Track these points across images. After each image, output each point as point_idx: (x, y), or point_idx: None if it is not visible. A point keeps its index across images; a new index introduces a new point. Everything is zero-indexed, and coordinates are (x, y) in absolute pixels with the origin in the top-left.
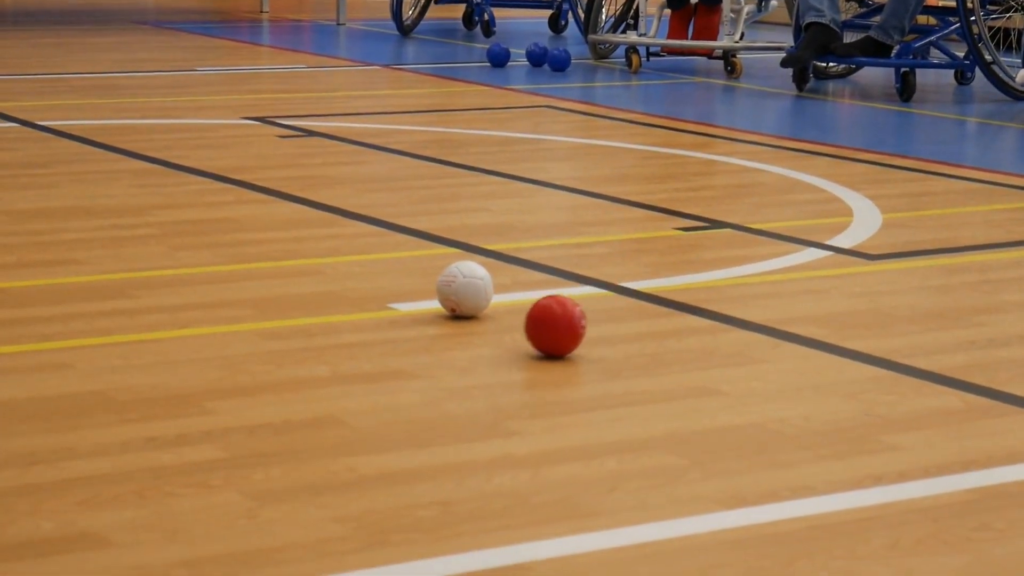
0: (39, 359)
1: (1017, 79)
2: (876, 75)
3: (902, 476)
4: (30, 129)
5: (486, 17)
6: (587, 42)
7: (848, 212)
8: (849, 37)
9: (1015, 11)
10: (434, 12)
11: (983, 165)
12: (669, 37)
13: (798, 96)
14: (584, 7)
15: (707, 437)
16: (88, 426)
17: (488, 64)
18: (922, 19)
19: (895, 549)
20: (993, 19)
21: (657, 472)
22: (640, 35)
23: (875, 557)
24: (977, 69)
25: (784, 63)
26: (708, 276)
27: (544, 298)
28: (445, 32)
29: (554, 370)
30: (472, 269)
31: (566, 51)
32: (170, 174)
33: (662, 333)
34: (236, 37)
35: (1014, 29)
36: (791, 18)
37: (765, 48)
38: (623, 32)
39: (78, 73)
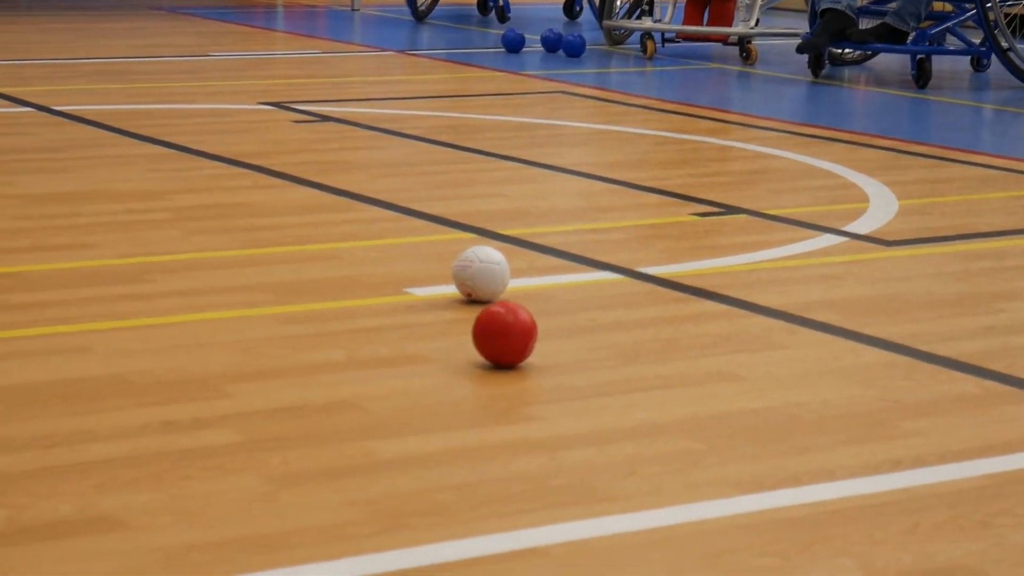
0: (56, 343)
1: None
2: (892, 61)
3: (919, 461)
4: (45, 114)
5: (501, 3)
6: (602, 28)
7: (864, 198)
8: (865, 23)
9: None
10: None
11: (1000, 152)
12: (684, 23)
13: (813, 82)
14: None
15: (724, 422)
16: (106, 409)
17: (503, 50)
18: (938, 5)
19: (913, 534)
20: (1009, 6)
21: (674, 457)
22: (655, 21)
23: (893, 542)
24: (993, 56)
25: (800, 49)
26: (724, 261)
27: (494, 306)
28: (460, 18)
29: (570, 355)
30: (488, 254)
31: (581, 37)
32: (185, 159)
33: (678, 318)
34: (251, 22)
35: None
36: (806, 4)
37: (780, 34)
38: (638, 18)
39: (93, 58)
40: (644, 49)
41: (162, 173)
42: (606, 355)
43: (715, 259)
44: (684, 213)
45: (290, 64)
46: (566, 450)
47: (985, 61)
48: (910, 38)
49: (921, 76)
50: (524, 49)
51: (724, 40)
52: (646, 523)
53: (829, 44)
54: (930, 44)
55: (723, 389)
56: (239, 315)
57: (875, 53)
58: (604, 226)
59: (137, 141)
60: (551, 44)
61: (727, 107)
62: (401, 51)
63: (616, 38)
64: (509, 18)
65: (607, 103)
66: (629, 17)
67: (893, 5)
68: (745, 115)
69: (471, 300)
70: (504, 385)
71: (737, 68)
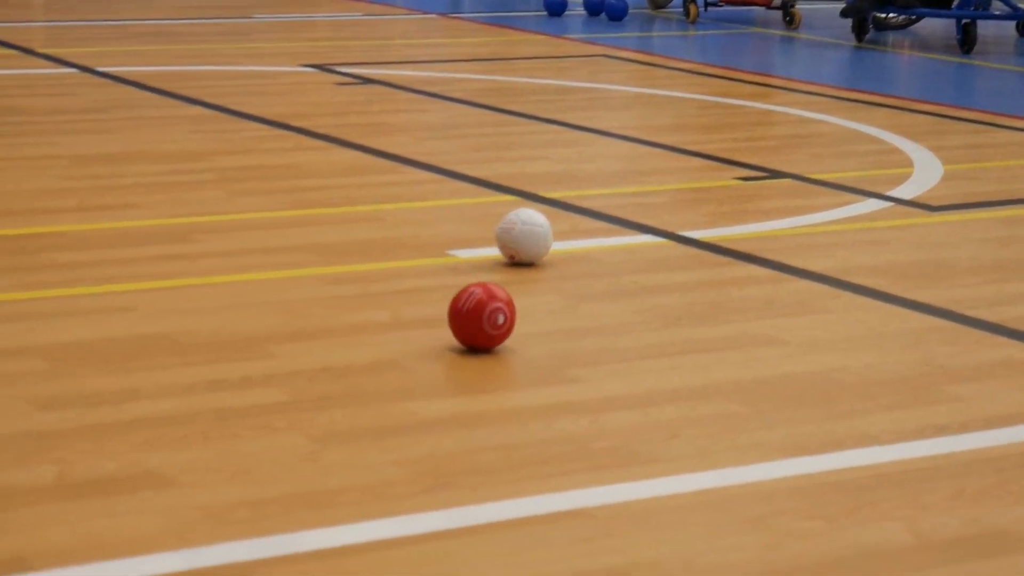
0: (101, 302)
1: None
2: (936, 26)
3: (965, 426)
4: (89, 75)
5: None
6: None
7: (908, 163)
8: None
9: None
10: None
11: None
12: None
13: (857, 47)
14: None
15: (768, 386)
16: (152, 368)
17: (545, 13)
18: None
19: (959, 498)
20: None
21: (718, 420)
22: None
23: (939, 506)
24: None
25: (844, 13)
26: (768, 226)
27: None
28: None
29: (614, 317)
30: (532, 216)
31: (624, 0)
32: (228, 120)
33: (722, 282)
34: None
35: None
36: None
37: None
38: None
39: (136, 20)
40: (687, 13)
41: (205, 134)
42: (649, 318)
43: (759, 223)
44: (727, 177)
45: (332, 27)
46: (609, 412)
47: None
48: (955, 3)
49: (966, 41)
50: (566, 12)
51: (767, 4)
52: (689, 486)
53: (873, 8)
54: (975, 9)
55: (767, 353)
56: (284, 276)
57: (919, 17)
58: (647, 189)
59: (180, 102)
60: (593, 7)
61: (770, 71)
62: (443, 14)
63: (659, 2)
64: None
65: (649, 67)
66: None
67: None
68: (788, 79)
69: (514, 262)
70: (547, 347)
71: (780, 32)
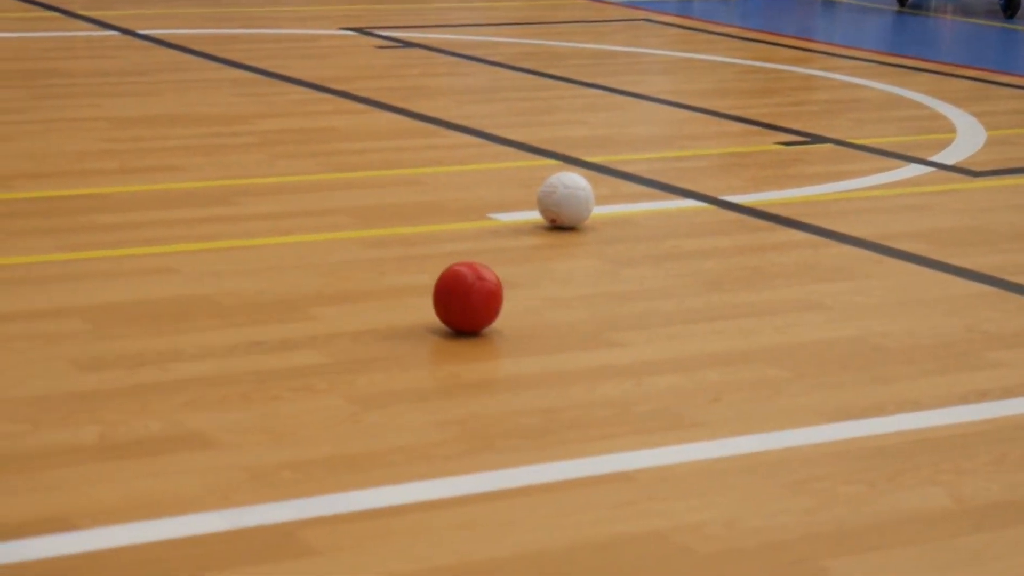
0: (144, 263)
1: None
2: None
3: (1007, 392)
4: (131, 37)
5: None
6: None
7: (951, 129)
8: None
9: None
10: None
11: None
12: None
13: (900, 11)
14: None
15: (810, 350)
16: (194, 329)
17: None
18: None
19: (1001, 464)
20: None
21: (760, 384)
22: None
23: (980, 472)
24: None
25: None
26: (809, 191)
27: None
28: None
29: (656, 282)
30: (573, 180)
31: None
32: (270, 83)
33: (763, 247)
34: None
35: None
36: None
37: None
38: None
39: None
40: None
41: (247, 97)
42: (691, 282)
43: (800, 188)
44: (768, 142)
45: None
46: (651, 376)
47: None
48: None
49: (1009, 6)
50: None
51: None
52: (732, 449)
53: None
54: None
55: (808, 318)
56: (324, 238)
57: None
58: (688, 154)
59: (222, 65)
60: None
61: (812, 36)
62: None
63: None
64: None
65: (690, 31)
66: None
67: None
68: (830, 44)
69: (555, 226)
70: (589, 310)
71: None
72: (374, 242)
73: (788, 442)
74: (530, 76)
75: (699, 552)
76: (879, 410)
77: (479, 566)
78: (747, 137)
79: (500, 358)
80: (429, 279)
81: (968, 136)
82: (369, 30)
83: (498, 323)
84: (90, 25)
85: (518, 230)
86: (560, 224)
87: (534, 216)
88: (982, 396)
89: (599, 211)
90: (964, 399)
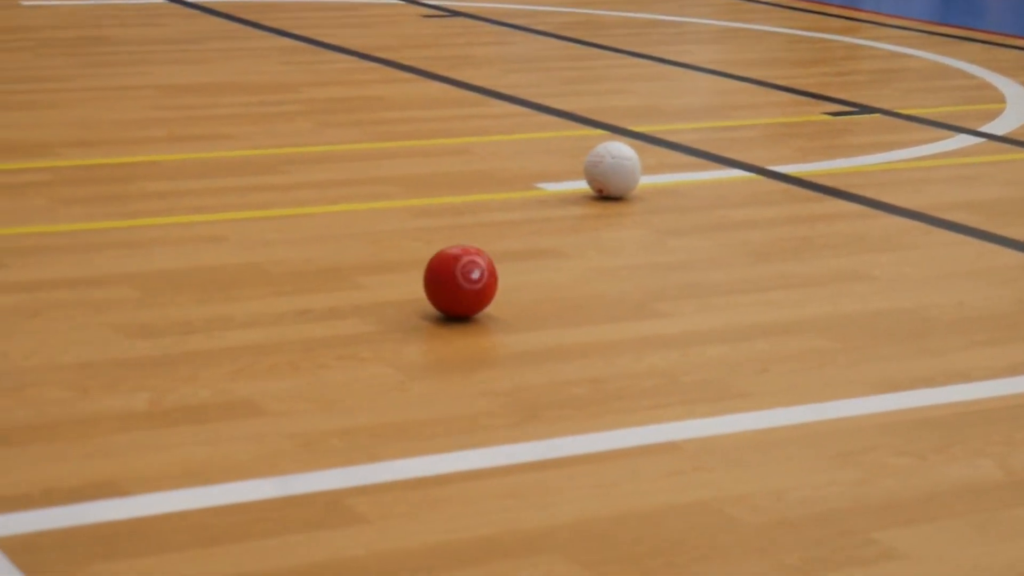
0: (193, 231)
1: None
2: None
3: None
4: (179, 6)
5: None
6: None
7: (1001, 99)
8: None
9: None
10: None
11: None
12: None
13: None
14: None
15: (858, 321)
16: (243, 298)
17: None
18: None
19: None
20: None
21: (808, 355)
22: None
23: None
24: None
25: None
26: (858, 161)
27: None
28: None
29: (703, 252)
30: (620, 150)
31: None
32: (317, 52)
33: (811, 217)
34: None
35: None
36: None
37: None
38: None
39: None
40: None
41: (295, 66)
42: (739, 253)
43: (848, 158)
44: (816, 112)
45: None
46: (699, 346)
47: None
48: None
49: None
50: None
51: None
52: (780, 420)
53: None
54: None
55: (857, 288)
56: (372, 207)
57: None
58: (735, 124)
59: (270, 34)
60: None
61: (859, 5)
62: None
63: None
64: None
65: (738, 0)
66: None
67: None
68: (878, 13)
69: (602, 196)
70: (636, 281)
71: None
72: (421, 211)
73: (836, 413)
74: (576, 45)
75: (747, 523)
76: (928, 381)
77: (526, 535)
78: (795, 107)
79: (547, 328)
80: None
81: (1017, 106)
82: None
83: (545, 292)
84: None
85: (565, 200)
86: (607, 194)
87: (581, 186)
88: None
89: (646, 181)
90: (1014, 370)
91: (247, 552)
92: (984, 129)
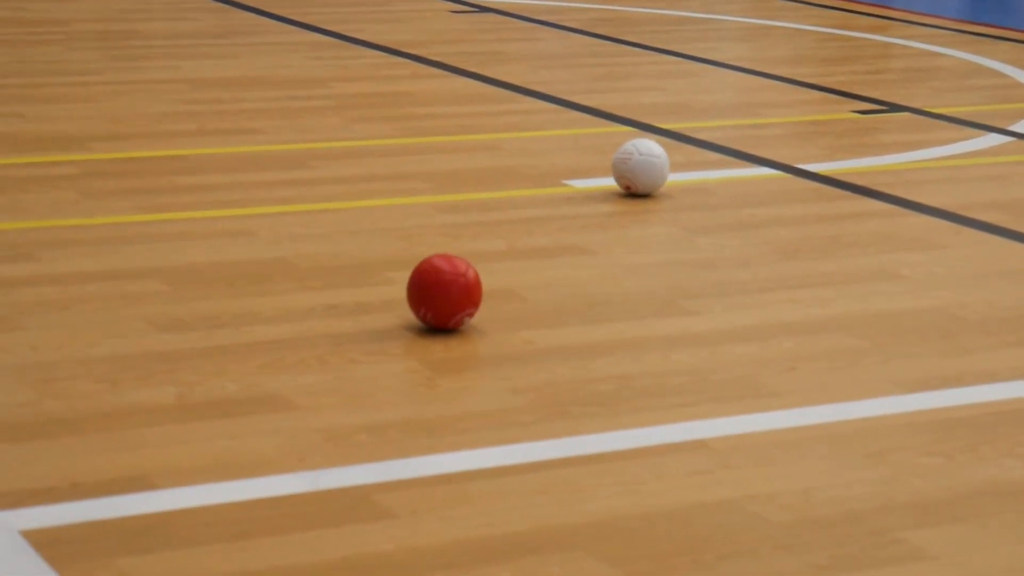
0: (221, 225)
1: None
2: None
3: None
4: (207, 0)
5: None
6: None
7: None
8: None
9: None
10: None
11: None
12: None
13: None
14: None
15: (888, 320)
16: (271, 292)
17: None
18: None
19: None
20: None
21: (837, 354)
22: None
23: None
24: None
25: None
26: (887, 160)
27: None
28: None
29: (731, 250)
30: (649, 147)
31: None
32: (345, 47)
33: (840, 216)
34: None
35: None
36: None
37: None
38: None
39: None
40: None
41: (323, 61)
42: (767, 251)
43: (877, 157)
44: (845, 110)
45: None
46: (726, 344)
47: None
48: None
49: None
50: None
51: None
52: (808, 419)
53: None
54: None
55: (885, 287)
56: (400, 203)
57: None
58: (764, 122)
59: (298, 28)
60: None
61: (890, 3)
62: None
63: None
64: None
65: None
66: None
67: None
68: (908, 12)
69: (630, 193)
70: (663, 278)
71: None
72: (449, 207)
73: (865, 412)
74: (604, 42)
75: (774, 521)
76: (957, 381)
77: (553, 532)
78: (824, 105)
79: (575, 324)
80: (504, 244)
81: None
82: None
83: (573, 289)
84: None
85: (593, 197)
86: (635, 191)
87: (609, 183)
88: None
89: (674, 178)
90: None
91: (275, 546)
92: (1014, 128)
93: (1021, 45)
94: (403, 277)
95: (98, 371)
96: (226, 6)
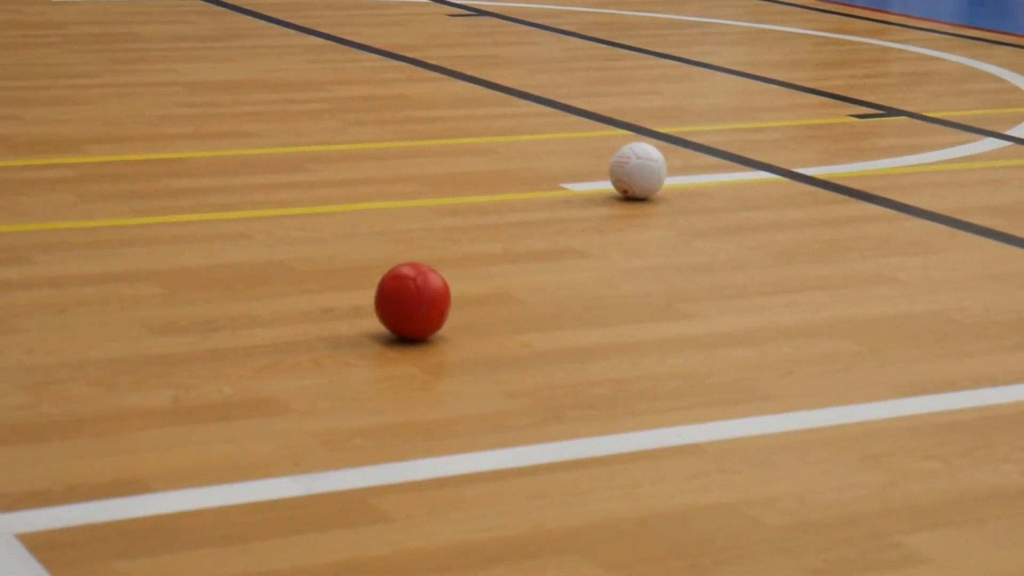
0: (219, 228)
1: None
2: None
3: None
4: (205, 3)
5: None
6: None
7: None
8: None
9: None
10: None
11: None
12: None
13: None
14: None
15: (884, 324)
16: (267, 295)
17: None
18: None
19: None
20: None
21: (833, 358)
22: None
23: None
24: None
25: None
26: (883, 164)
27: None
28: None
29: (728, 254)
30: (646, 151)
31: None
32: (343, 50)
33: (837, 220)
34: None
35: None
36: None
37: None
38: None
39: None
40: None
41: (320, 64)
42: (763, 255)
43: (874, 161)
44: (842, 114)
45: None
46: (724, 348)
47: None
48: None
49: None
50: None
51: None
52: (805, 423)
53: None
54: None
55: (882, 291)
56: (397, 206)
57: None
58: (761, 126)
59: (295, 32)
60: None
61: (887, 7)
62: None
63: None
64: None
65: (763, 2)
66: None
67: None
68: (905, 16)
69: (627, 197)
70: (660, 282)
71: None
72: (447, 210)
73: (861, 416)
74: (602, 46)
75: (771, 525)
76: (953, 385)
77: (550, 535)
78: (821, 109)
79: (571, 328)
80: (501, 248)
81: None
82: None
83: (569, 292)
84: None
85: (590, 200)
86: (632, 195)
87: (606, 186)
88: None
89: (671, 182)
90: None
91: (271, 550)
92: (1011, 133)
93: (1018, 49)
94: None
95: (94, 374)
96: (223, 9)
